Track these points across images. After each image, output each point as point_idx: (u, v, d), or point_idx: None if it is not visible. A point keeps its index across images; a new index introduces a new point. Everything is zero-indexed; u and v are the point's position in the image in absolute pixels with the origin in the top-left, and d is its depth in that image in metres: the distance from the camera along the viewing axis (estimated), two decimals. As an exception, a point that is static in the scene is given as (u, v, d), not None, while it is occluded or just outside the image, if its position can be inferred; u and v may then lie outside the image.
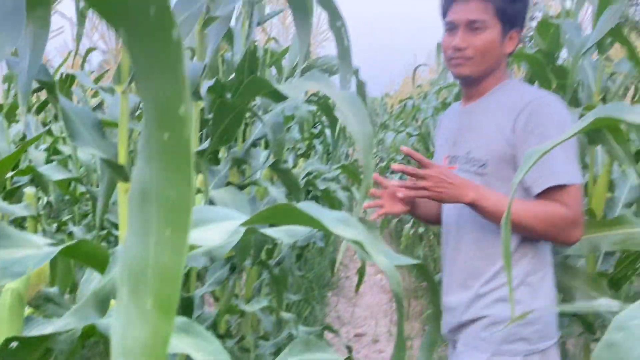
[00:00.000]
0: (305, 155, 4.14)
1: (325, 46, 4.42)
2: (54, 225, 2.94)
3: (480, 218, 1.45)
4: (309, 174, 3.29)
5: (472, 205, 1.42)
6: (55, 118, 2.96)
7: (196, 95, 1.55)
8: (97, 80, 3.68)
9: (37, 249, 0.78)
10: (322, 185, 3.29)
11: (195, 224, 0.81)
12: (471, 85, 1.57)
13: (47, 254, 0.73)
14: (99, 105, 3.49)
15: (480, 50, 1.48)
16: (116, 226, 2.68)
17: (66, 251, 0.75)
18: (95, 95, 4.04)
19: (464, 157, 1.52)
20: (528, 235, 1.46)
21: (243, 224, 0.76)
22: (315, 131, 4.48)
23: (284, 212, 0.81)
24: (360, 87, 3.08)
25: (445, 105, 4.76)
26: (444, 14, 1.54)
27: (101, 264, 0.81)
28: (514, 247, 1.48)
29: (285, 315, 2.25)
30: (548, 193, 1.41)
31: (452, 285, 1.59)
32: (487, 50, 1.48)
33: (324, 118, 4.06)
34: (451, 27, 1.51)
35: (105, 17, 0.24)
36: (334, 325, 3.86)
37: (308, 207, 0.79)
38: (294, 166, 3.49)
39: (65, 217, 3.20)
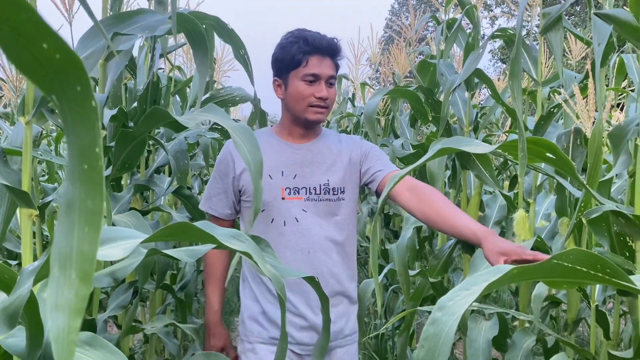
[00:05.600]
0: (211, 181, 4.19)
1: (230, 76, 4.56)
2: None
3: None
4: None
5: None
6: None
7: (99, 125, 1.61)
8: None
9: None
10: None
11: (100, 243, 0.90)
12: (311, 129, 1.80)
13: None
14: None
15: (333, 102, 1.76)
16: (12, 255, 2.60)
17: (-26, 271, 0.81)
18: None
19: (321, 188, 1.75)
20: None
21: (144, 241, 0.86)
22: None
23: (182, 229, 0.93)
24: (263, 116, 3.23)
25: (345, 133, 5.03)
26: (297, 63, 1.71)
27: (8, 284, 0.88)
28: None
29: (189, 334, 2.31)
30: None
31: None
32: (334, 102, 1.80)
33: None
34: (313, 80, 1.71)
35: (41, 88, 0.36)
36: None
37: (203, 224, 0.91)
38: (200, 192, 3.55)
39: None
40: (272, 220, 1.72)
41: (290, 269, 1.41)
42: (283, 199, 1.72)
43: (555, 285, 0.67)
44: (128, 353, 2.24)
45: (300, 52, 1.70)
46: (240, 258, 1.38)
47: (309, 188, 1.74)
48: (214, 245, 0.98)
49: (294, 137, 1.79)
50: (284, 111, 1.81)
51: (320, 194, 1.75)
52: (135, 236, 0.90)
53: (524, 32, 2.28)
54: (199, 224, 0.90)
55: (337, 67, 1.77)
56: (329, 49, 1.73)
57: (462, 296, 0.67)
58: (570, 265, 0.63)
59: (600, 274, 0.67)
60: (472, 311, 1.88)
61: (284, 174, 1.74)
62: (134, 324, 2.11)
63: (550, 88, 2.52)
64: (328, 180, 1.75)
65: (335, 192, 1.76)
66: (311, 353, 1.76)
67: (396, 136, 3.57)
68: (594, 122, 1.47)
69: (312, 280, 1.47)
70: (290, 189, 1.74)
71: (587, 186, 1.10)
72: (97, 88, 1.91)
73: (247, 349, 1.75)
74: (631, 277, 0.69)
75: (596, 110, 1.46)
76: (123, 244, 0.87)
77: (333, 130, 2.14)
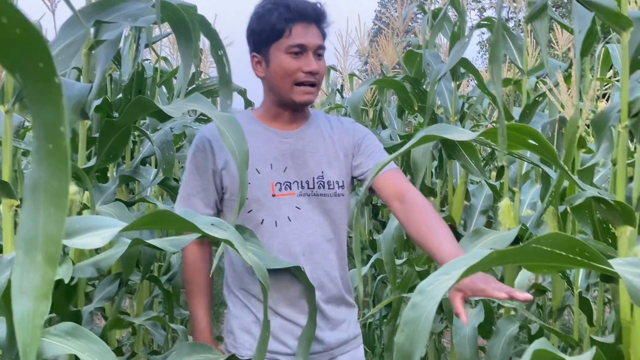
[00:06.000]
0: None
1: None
2: None
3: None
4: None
5: None
6: None
7: (83, 115, 1.59)
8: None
9: None
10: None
11: (79, 232, 0.89)
12: (300, 111, 1.57)
13: None
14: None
15: (322, 76, 1.53)
16: (-4, 248, 2.58)
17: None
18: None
19: (314, 181, 1.54)
20: None
21: (124, 229, 0.86)
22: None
23: (162, 217, 0.93)
24: (248, 106, 3.21)
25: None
26: (279, 34, 1.48)
27: (-13, 273, 0.86)
28: None
29: (176, 327, 2.30)
30: None
31: None
32: (323, 78, 1.54)
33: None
34: (299, 51, 1.48)
35: (4, 65, 0.35)
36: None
37: (184, 212, 0.91)
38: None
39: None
40: (262, 221, 1.50)
41: (275, 259, 1.40)
42: (273, 195, 1.51)
43: (535, 269, 0.67)
44: (115, 345, 2.23)
45: (281, 20, 1.46)
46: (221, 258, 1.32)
47: (301, 182, 1.53)
48: (199, 235, 0.97)
49: (281, 124, 1.56)
50: (266, 92, 1.57)
51: (314, 188, 1.53)
52: (114, 225, 0.89)
53: (511, 24, 2.27)
54: (179, 211, 0.89)
55: (324, 35, 1.54)
56: (315, 15, 1.50)
57: (441, 280, 0.67)
58: (549, 249, 0.64)
59: (579, 258, 0.67)
60: (458, 299, 1.89)
61: (273, 167, 1.52)
62: (121, 316, 2.10)
63: (537, 78, 2.53)
64: (322, 173, 1.54)
65: (331, 187, 1.55)
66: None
67: (384, 127, 3.58)
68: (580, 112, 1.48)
69: (297, 270, 1.46)
70: (280, 184, 1.52)
71: (568, 172, 1.11)
72: (81, 78, 1.88)
73: None
74: (609, 260, 0.70)
75: (576, 97, 1.46)
76: (102, 233, 0.87)
77: (321, 111, 1.90)
